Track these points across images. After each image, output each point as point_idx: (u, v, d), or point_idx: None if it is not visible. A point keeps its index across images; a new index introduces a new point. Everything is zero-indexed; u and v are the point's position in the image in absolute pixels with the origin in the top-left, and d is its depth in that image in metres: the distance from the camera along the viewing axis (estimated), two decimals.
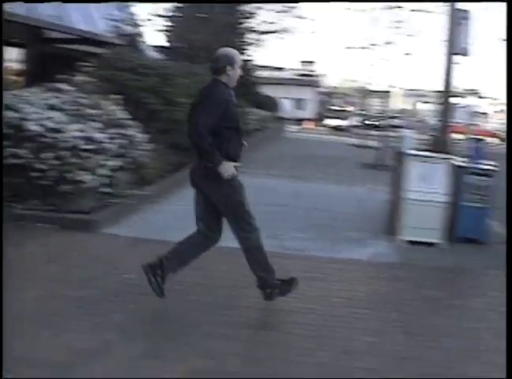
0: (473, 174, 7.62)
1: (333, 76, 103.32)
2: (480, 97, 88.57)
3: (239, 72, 4.59)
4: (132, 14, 20.69)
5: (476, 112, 76.30)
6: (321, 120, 53.51)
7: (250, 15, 22.27)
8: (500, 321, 4.31)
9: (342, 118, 51.67)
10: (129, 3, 20.27)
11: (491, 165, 8.20)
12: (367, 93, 47.68)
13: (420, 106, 76.06)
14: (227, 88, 4.51)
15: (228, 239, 4.73)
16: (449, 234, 7.49)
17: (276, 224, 7.46)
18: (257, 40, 23.33)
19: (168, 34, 21.33)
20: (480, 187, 7.55)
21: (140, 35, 20.34)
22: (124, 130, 7.82)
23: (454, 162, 7.83)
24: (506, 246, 3.41)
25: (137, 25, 20.26)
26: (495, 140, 41.35)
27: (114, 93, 8.62)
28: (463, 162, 7.90)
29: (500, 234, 8.16)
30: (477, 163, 7.88)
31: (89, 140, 7.03)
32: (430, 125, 32.12)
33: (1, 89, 7.19)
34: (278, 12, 22.31)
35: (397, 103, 72.52)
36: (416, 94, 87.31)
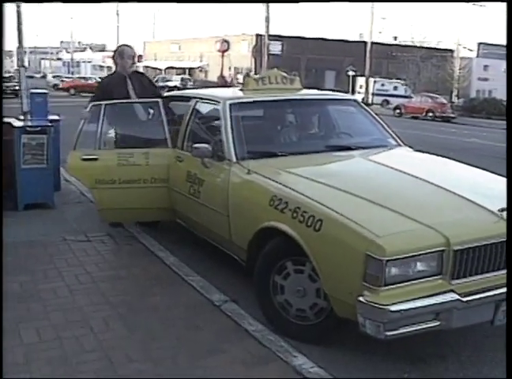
0: (27, 132, 6.93)
1: None
2: (101, 50, 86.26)
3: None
4: None
5: (99, 66, 74.36)
6: None
7: None
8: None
9: None
10: None
11: (52, 120, 7.80)
12: None
13: None
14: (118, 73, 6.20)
15: None
16: (14, 202, 6.84)
17: None
18: None
19: None
20: (35, 146, 6.94)
21: None
22: None
23: (13, 122, 7.14)
24: (506, 246, 3.33)
25: None
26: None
27: None
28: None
29: (73, 193, 7.97)
30: (35, 120, 7.37)
31: None
32: None
33: (1, 86, 7.87)
34: None
35: None
36: None
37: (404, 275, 3.25)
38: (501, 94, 37.09)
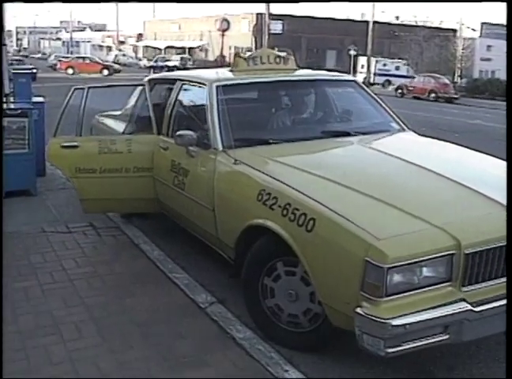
0: (7, 116, 6.49)
1: None
2: (101, 30, 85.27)
3: None
4: None
5: (98, 45, 73.84)
6: None
7: None
8: None
9: None
10: None
11: (36, 102, 7.42)
12: None
13: None
14: None
15: None
16: None
17: None
18: None
19: None
20: (15, 130, 6.52)
21: None
22: None
23: None
24: (507, 246, 2.89)
25: None
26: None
27: None
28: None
29: (59, 179, 7.59)
30: (17, 103, 6.97)
31: None
32: None
33: (2, 86, 6.34)
34: None
35: None
36: None
37: (409, 284, 2.86)
38: (504, 74, 36.46)
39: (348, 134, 4.62)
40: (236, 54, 5.25)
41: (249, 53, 5.30)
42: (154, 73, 40.77)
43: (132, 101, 6.01)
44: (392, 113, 5.18)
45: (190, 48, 65.29)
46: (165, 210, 5.21)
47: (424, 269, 2.87)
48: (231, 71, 5.13)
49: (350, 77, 5.47)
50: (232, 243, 3.88)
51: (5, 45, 7.16)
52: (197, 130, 4.37)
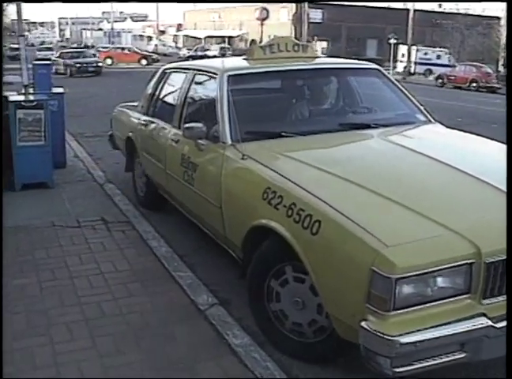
0: (23, 107, 6.43)
1: None
2: (142, 20, 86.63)
3: None
4: None
5: (139, 35, 75.06)
6: None
7: None
8: None
9: None
10: None
11: (56, 93, 7.37)
12: None
13: None
14: None
15: None
16: (10, 182, 6.40)
17: None
18: None
19: None
20: (31, 122, 6.42)
21: None
22: None
23: (9, 96, 6.69)
24: (507, 246, 2.57)
25: None
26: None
27: None
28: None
29: (79, 171, 7.53)
30: (36, 94, 6.91)
31: None
32: None
33: (1, 86, 6.34)
34: None
35: None
36: None
37: (421, 296, 2.55)
38: None
39: (368, 126, 4.29)
40: (252, 42, 5.02)
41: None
42: None
43: (148, 91, 5.91)
44: (418, 103, 4.85)
45: (229, 37, 65.13)
46: (178, 205, 5.07)
47: (439, 280, 2.56)
48: (245, 60, 4.86)
49: (372, 65, 5.16)
50: (239, 242, 3.65)
51: (23, 36, 7.10)
52: (206, 123, 4.14)
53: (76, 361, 3.11)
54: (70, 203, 6.06)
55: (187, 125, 4.19)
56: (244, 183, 3.70)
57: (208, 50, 52.34)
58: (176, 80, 5.37)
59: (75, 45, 75.56)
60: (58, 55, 34.14)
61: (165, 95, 5.60)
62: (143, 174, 5.90)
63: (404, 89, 4.96)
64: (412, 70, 40.25)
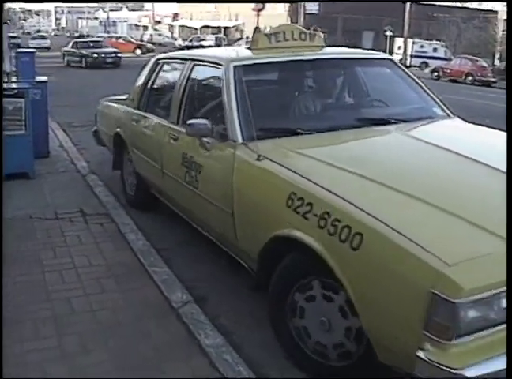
0: (4, 96, 6.27)
1: None
2: (138, 10, 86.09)
3: None
4: None
5: (135, 25, 74.76)
6: None
7: None
8: None
9: None
10: None
11: (39, 82, 7.21)
12: None
13: None
14: None
15: None
16: None
17: None
18: None
19: None
20: (12, 111, 6.26)
21: None
22: None
23: None
24: (507, 245, 2.28)
25: None
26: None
27: None
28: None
29: (63, 161, 7.37)
30: (17, 82, 6.76)
31: None
32: None
33: (1, 86, 6.09)
34: None
35: None
36: None
37: (485, 320, 2.22)
38: None
39: (387, 122, 3.93)
40: (256, 30, 4.58)
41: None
42: None
43: (140, 83, 5.52)
44: (435, 96, 4.52)
45: (225, 28, 64.83)
46: (176, 207, 4.73)
47: (503, 301, 2.23)
48: (249, 49, 4.47)
49: (385, 55, 4.81)
50: (255, 253, 3.27)
51: (6, 23, 6.94)
52: (211, 118, 3.76)
53: (39, 361, 2.98)
54: (50, 194, 5.92)
55: (190, 121, 3.76)
56: (262, 188, 3.25)
57: (203, 40, 52.03)
58: (172, 72, 5.07)
59: (68, 34, 75.09)
60: (71, 45, 31.21)
61: (159, 88, 5.27)
62: (133, 172, 5.53)
63: (419, 81, 4.64)
64: (408, 63, 40.03)
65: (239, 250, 3.62)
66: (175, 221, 4.88)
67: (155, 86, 5.29)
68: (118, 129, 5.73)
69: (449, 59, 36.20)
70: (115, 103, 6.23)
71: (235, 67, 3.92)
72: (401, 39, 41.95)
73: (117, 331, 3.29)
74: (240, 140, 3.54)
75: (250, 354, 3.15)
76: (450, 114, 4.42)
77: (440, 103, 4.47)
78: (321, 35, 4.59)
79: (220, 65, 4.01)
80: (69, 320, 3.40)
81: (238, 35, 61.28)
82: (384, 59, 4.81)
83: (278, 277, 3.07)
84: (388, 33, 42.12)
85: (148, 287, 3.83)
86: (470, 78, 31.03)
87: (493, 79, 31.44)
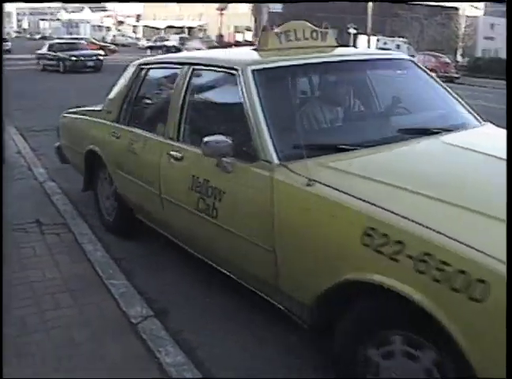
0: None
1: None
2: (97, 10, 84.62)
3: None
4: None
5: (97, 26, 73.51)
6: None
7: None
8: None
9: None
10: None
11: None
12: None
13: None
14: None
15: None
16: None
17: None
18: None
19: None
20: None
21: None
22: None
23: None
24: (507, 245, 2.02)
25: None
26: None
27: None
28: None
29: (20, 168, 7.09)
30: None
31: None
32: None
33: (1, 88, 4.82)
34: None
35: None
36: None
37: None
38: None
39: (430, 132, 3.41)
40: (264, 29, 3.99)
41: (278, 28, 3.96)
42: (151, 53, 40.19)
43: (119, 93, 4.79)
44: (461, 100, 4.09)
45: (189, 28, 64.50)
46: (178, 237, 4.05)
47: None
48: (257, 50, 3.89)
49: (405, 55, 4.33)
50: (308, 299, 2.73)
51: None
52: (230, 134, 3.15)
53: None
54: (5, 203, 5.65)
55: (207, 139, 3.11)
56: (322, 221, 2.62)
57: (167, 40, 51.68)
58: (163, 79, 4.51)
59: (28, 35, 73.83)
60: (47, 48, 28.51)
61: (147, 98, 4.66)
62: (113, 194, 4.84)
63: (443, 84, 4.22)
64: None
65: (279, 293, 2.98)
66: (139, 230, 4.70)
67: (140, 96, 4.60)
68: (92, 146, 4.97)
69: (413, 56, 36.46)
70: (85, 115, 5.42)
71: (253, 72, 3.32)
72: (365, 37, 42.24)
73: (71, 350, 3.09)
74: (276, 160, 2.95)
75: (212, 371, 2.99)
76: (481, 120, 3.98)
77: (469, 108, 4.04)
78: (331, 33, 4.13)
79: (234, 69, 3.40)
80: (18, 341, 3.18)
81: (201, 35, 61.03)
82: (404, 60, 4.25)
83: (347, 327, 2.56)
84: (351, 31, 42.34)
85: (105, 302, 3.63)
86: (434, 74, 31.34)
87: (456, 75, 31.94)
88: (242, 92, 3.26)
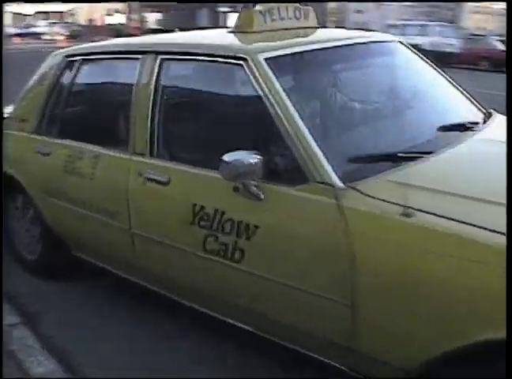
0: None
1: None
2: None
3: None
4: None
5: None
6: None
7: None
8: None
9: None
10: None
11: None
12: None
13: None
14: None
15: None
16: None
17: None
18: None
19: None
20: None
21: None
22: None
23: None
24: (506, 244, 1.72)
25: None
26: None
27: None
28: None
29: None
30: None
31: None
32: None
33: (1, 86, 4.97)
34: None
35: None
36: None
37: None
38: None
39: (466, 128, 2.89)
40: (244, 8, 3.22)
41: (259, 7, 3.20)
42: (22, 41, 38.13)
43: (35, 94, 3.79)
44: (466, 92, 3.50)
45: (60, 13, 62.12)
46: (170, 289, 3.08)
47: None
48: (234, 33, 3.12)
49: (394, 37, 3.57)
50: (410, 365, 2.08)
51: None
52: (245, 148, 2.35)
53: None
54: None
55: (227, 158, 2.27)
56: (441, 266, 1.93)
57: (34, 26, 49.59)
58: (108, 74, 3.61)
59: None
60: None
61: (86, 101, 3.70)
62: (39, 226, 3.78)
63: (442, 72, 3.56)
64: None
65: (354, 356, 2.28)
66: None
67: (73, 98, 3.61)
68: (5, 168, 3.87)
69: None
70: None
71: (267, 61, 2.54)
72: (236, 15, 42.32)
73: None
74: (338, 182, 2.22)
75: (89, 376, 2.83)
76: (483, 109, 3.43)
77: (472, 99, 3.48)
78: (313, 11, 3.43)
79: (239, 59, 2.59)
80: None
81: (70, 20, 58.92)
82: (393, 42, 3.49)
83: None
84: (221, 9, 42.15)
85: None
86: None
87: None
88: (261, 89, 2.48)
